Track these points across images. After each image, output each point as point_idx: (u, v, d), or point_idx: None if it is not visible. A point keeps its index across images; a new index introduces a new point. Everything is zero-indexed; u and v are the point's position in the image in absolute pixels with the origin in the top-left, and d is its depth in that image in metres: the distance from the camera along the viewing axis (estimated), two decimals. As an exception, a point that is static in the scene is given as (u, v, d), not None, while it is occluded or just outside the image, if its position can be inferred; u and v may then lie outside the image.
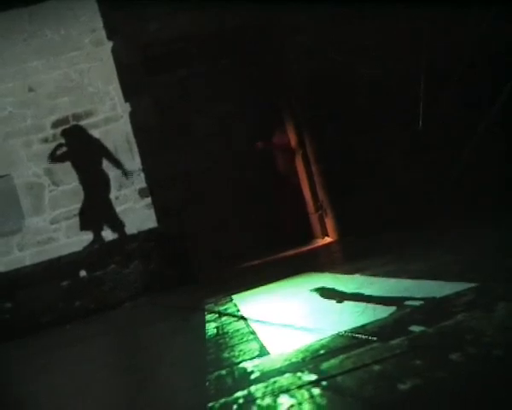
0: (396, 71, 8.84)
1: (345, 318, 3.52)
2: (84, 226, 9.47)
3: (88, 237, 9.44)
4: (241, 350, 3.40)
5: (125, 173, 9.47)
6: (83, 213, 9.47)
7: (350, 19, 9.08)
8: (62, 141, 9.49)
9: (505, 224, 5.97)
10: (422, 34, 8.48)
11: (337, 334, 3.05)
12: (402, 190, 8.72)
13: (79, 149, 9.58)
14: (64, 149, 9.51)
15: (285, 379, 2.52)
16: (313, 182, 10.29)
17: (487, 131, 8.17)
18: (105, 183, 9.55)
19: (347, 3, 8.86)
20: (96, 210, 9.52)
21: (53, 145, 9.45)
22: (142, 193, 9.53)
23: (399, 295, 3.63)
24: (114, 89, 9.55)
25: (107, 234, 9.50)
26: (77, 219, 9.45)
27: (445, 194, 8.29)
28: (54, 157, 9.46)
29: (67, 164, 9.47)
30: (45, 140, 9.42)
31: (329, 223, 10.01)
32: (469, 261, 4.31)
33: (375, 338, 2.75)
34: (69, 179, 9.41)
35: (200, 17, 9.27)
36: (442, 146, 8.65)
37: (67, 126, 9.51)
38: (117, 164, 9.54)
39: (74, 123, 9.48)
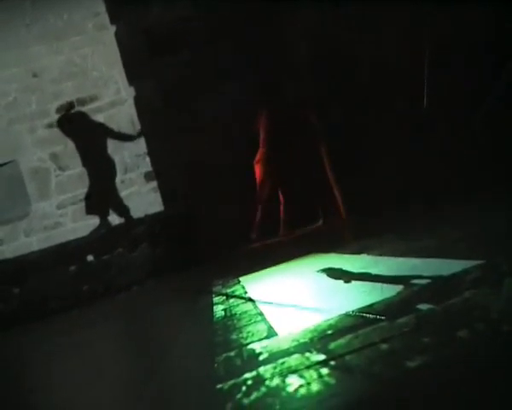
0: (399, 51, 8.80)
1: (352, 297, 3.52)
2: (90, 211, 9.48)
3: (94, 221, 9.47)
4: (249, 332, 3.40)
5: (138, 134, 9.52)
6: (89, 198, 9.49)
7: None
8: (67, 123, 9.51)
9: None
10: (426, 16, 8.44)
11: (344, 314, 3.05)
12: (411, 167, 8.70)
13: (83, 133, 9.59)
14: (71, 131, 9.53)
15: (293, 360, 2.52)
16: (321, 163, 10.27)
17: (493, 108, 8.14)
18: (110, 167, 9.56)
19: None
20: (102, 194, 9.53)
21: (57, 130, 9.46)
22: (147, 177, 9.55)
23: (407, 273, 3.62)
24: (118, 73, 9.55)
25: (114, 218, 9.52)
26: (83, 204, 9.47)
27: (455, 169, 8.28)
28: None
29: (73, 148, 9.47)
30: (50, 125, 9.43)
31: (335, 203, 10.00)
32: (477, 238, 4.30)
33: (382, 317, 2.75)
34: (75, 164, 9.43)
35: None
36: (448, 124, 8.63)
37: (69, 112, 9.51)
38: (125, 138, 9.55)
39: (78, 108, 9.48)
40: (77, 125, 9.55)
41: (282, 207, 10.35)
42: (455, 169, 8.19)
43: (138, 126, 9.56)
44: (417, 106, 8.54)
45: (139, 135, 9.58)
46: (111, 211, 9.48)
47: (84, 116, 9.53)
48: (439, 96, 8.38)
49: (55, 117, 9.45)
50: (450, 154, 8.40)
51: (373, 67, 8.93)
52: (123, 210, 9.49)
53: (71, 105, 9.54)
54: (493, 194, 6.64)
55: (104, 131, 9.55)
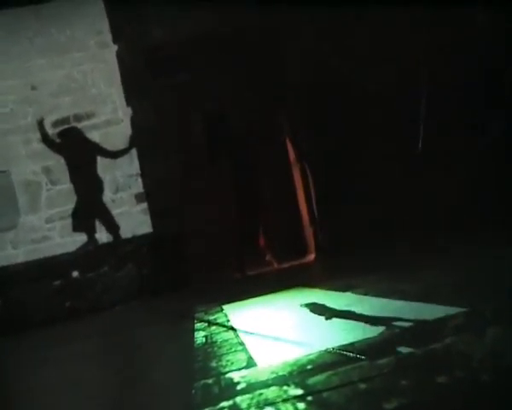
0: (396, 83, 8.86)
1: (334, 334, 3.52)
2: (76, 228, 9.45)
3: (82, 237, 9.43)
4: (228, 360, 3.39)
5: (129, 148, 9.56)
6: (75, 215, 9.46)
7: (351, 26, 9.11)
8: (59, 139, 9.51)
9: (504, 247, 6.00)
10: (423, 45, 8.51)
11: (325, 350, 3.05)
12: (399, 207, 8.71)
13: (75, 149, 9.59)
14: (61, 147, 9.52)
15: (271, 392, 2.52)
16: (309, 195, 10.29)
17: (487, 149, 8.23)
18: (100, 185, 9.55)
19: (349, 9, 8.90)
20: (91, 212, 9.51)
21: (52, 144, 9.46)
22: (138, 198, 9.53)
23: (390, 315, 3.63)
24: (117, 91, 9.56)
25: (101, 236, 9.49)
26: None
27: (445, 212, 8.31)
28: (52, 145, 9.48)
29: (65, 163, 9.46)
30: (45, 138, 9.42)
31: (322, 238, 10.00)
32: (462, 284, 4.31)
33: (362, 357, 2.74)
34: (66, 179, 9.42)
35: (202, 21, 9.28)
36: (441, 166, 8.67)
37: (65, 127, 9.51)
38: (117, 154, 9.56)
39: (74, 124, 9.49)
40: (69, 140, 9.54)
41: (263, 239, 10.35)
42: (444, 213, 8.22)
43: (132, 146, 9.58)
44: (411, 147, 8.59)
45: (130, 148, 9.57)
46: (99, 229, 9.46)
47: (77, 132, 9.52)
48: (432, 137, 8.43)
49: (50, 131, 9.45)
50: (439, 197, 8.44)
51: (370, 100, 8.98)
52: (112, 229, 9.46)
53: (63, 121, 9.55)
54: (481, 239, 6.66)
55: (97, 149, 9.54)
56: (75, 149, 9.61)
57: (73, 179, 9.48)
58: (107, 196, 9.50)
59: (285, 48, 9.74)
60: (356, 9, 8.92)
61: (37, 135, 9.40)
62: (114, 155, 9.56)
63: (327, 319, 4.07)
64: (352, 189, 9.08)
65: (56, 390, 3.99)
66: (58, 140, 9.51)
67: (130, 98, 9.57)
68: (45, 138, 9.45)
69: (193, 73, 10.21)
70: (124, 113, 9.56)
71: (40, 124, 9.41)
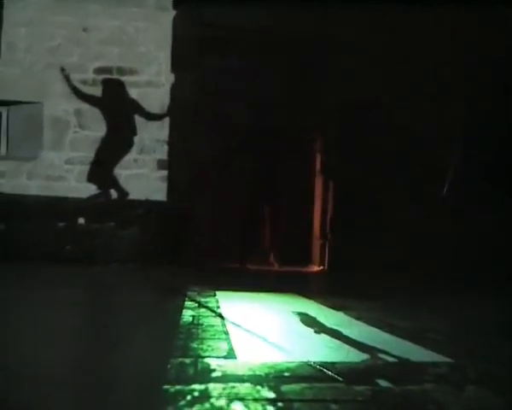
0: (434, 125, 8.85)
1: (317, 349, 3.52)
2: (91, 178, 9.47)
3: (97, 187, 9.47)
4: (210, 346, 3.40)
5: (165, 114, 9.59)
6: (95, 165, 9.47)
7: (401, 60, 9.11)
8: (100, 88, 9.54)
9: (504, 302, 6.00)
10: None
11: (305, 362, 3.05)
12: (411, 242, 8.71)
13: (116, 102, 9.61)
14: (100, 95, 9.55)
15: (244, 388, 2.52)
16: (326, 208, 10.30)
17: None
18: (127, 143, 9.56)
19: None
20: (111, 166, 9.52)
21: (91, 89, 9.48)
22: (160, 164, 9.55)
23: (376, 345, 3.62)
24: (164, 56, 9.58)
25: (114, 192, 9.52)
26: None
27: (452, 258, 8.29)
28: (87, 97, 9.49)
29: (98, 111, 9.48)
30: (84, 82, 9.45)
31: (329, 253, 10.00)
32: (453, 335, 4.30)
33: (340, 378, 2.75)
34: (95, 127, 9.44)
35: (259, 15, 9.27)
36: (460, 214, 8.64)
37: (111, 77, 9.54)
38: (152, 117, 9.57)
39: (117, 76, 9.51)
40: (110, 91, 9.56)
41: (270, 239, 10.36)
42: (450, 262, 8.21)
43: (168, 113, 9.59)
44: (434, 190, 8.56)
45: (165, 115, 9.59)
46: (115, 184, 9.47)
47: (120, 85, 9.54)
48: (456, 186, 8.40)
49: (92, 76, 9.47)
50: (449, 246, 8.42)
51: (405, 134, 8.96)
52: (126, 187, 9.48)
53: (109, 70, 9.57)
54: (481, 294, 6.66)
55: (134, 106, 9.56)
56: (113, 101, 9.63)
57: (104, 129, 9.50)
58: (131, 154, 9.52)
59: (333, 62, 9.73)
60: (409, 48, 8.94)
61: (78, 76, 9.43)
62: (149, 115, 9.58)
63: (316, 332, 4.07)
64: (368, 214, 9.08)
65: (29, 331, 4.00)
66: (97, 88, 9.54)
67: (175, 66, 9.58)
68: (75, 90, 9.48)
69: (241, 62, 10.23)
70: (166, 78, 9.59)
71: (67, 77, 9.43)
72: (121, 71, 9.54)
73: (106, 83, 9.56)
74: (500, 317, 5.44)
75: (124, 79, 9.54)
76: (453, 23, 8.80)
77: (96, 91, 9.54)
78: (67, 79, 9.42)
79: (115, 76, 9.52)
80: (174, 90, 9.57)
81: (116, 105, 9.63)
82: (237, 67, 10.27)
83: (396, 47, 9.12)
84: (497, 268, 7.98)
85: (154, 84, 9.58)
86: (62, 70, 9.39)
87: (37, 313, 4.65)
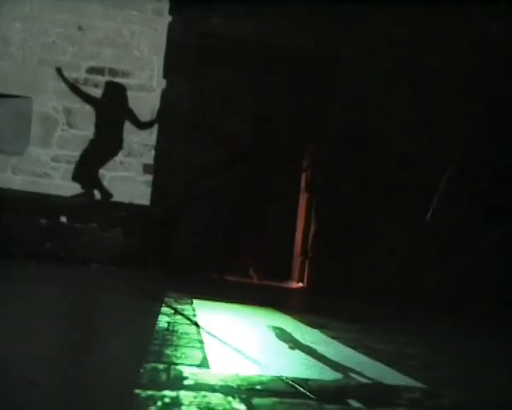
0: (428, 149, 8.87)
1: (291, 365, 3.52)
2: (76, 177, 9.44)
3: (81, 187, 9.44)
4: (183, 353, 3.39)
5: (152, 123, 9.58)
6: (80, 165, 9.46)
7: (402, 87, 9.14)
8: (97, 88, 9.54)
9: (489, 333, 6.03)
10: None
11: (278, 377, 3.04)
12: (393, 268, 8.70)
13: (113, 106, 9.60)
14: (100, 95, 9.54)
15: (215, 398, 2.51)
16: (309, 226, 10.32)
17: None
18: (115, 146, 9.55)
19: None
20: (97, 167, 9.50)
21: (82, 88, 9.47)
22: (146, 169, 9.54)
23: (350, 366, 3.62)
24: (158, 61, 9.58)
25: (98, 193, 9.50)
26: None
27: (437, 287, 8.30)
28: (74, 89, 9.48)
29: (88, 111, 9.47)
30: (76, 81, 9.43)
31: (309, 270, 10.01)
32: (428, 363, 4.31)
33: (312, 396, 2.74)
34: (84, 127, 9.42)
35: (261, 28, 9.29)
36: (448, 241, 8.65)
37: (110, 81, 9.53)
38: (140, 124, 9.56)
39: (109, 77, 9.50)
40: (108, 94, 9.55)
41: (251, 252, 10.36)
42: (437, 289, 8.21)
43: (159, 119, 9.59)
44: (420, 213, 8.57)
45: (155, 122, 9.59)
46: (99, 185, 9.45)
47: (123, 92, 9.54)
48: (447, 208, 8.41)
49: (84, 75, 9.47)
50: (434, 271, 8.42)
51: (397, 158, 8.98)
52: (111, 189, 9.46)
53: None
54: (467, 322, 6.68)
55: (128, 113, 9.55)
56: (110, 104, 9.62)
57: (93, 130, 9.49)
58: (118, 157, 9.51)
59: (335, 82, 9.76)
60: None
61: (71, 75, 9.42)
62: (141, 125, 9.58)
63: (290, 348, 4.07)
64: (351, 235, 9.08)
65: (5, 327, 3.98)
66: (88, 88, 9.53)
67: (168, 72, 9.58)
68: (73, 87, 9.48)
69: (238, 74, 10.24)
70: (158, 84, 9.58)
71: (59, 72, 9.43)
72: (113, 72, 9.53)
73: (109, 85, 9.55)
74: (482, 348, 5.46)
75: (116, 80, 9.53)
76: (456, 45, 8.86)
77: (87, 91, 9.52)
78: (63, 77, 9.41)
79: (107, 77, 9.51)
80: (165, 96, 9.56)
81: (112, 109, 9.62)
82: (232, 79, 10.30)
83: (392, 67, 9.15)
84: (484, 297, 8.01)
85: (145, 89, 9.57)
86: (58, 70, 9.39)
87: (8, 312, 4.62)
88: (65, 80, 9.41)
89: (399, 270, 8.67)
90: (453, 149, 8.50)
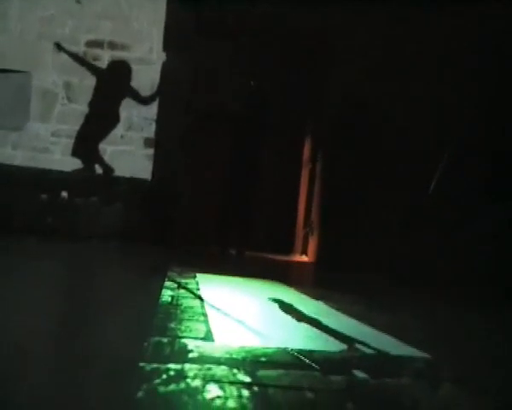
0: (427, 129, 8.81)
1: (296, 337, 3.53)
2: (76, 152, 9.43)
3: (82, 162, 9.44)
4: (187, 327, 3.40)
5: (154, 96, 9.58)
6: (80, 139, 9.44)
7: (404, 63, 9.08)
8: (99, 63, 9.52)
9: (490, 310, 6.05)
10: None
11: (283, 349, 3.05)
12: (398, 241, 8.68)
13: (117, 83, 9.58)
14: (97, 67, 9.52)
15: (220, 370, 2.52)
16: (311, 198, 10.31)
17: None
18: (115, 120, 9.53)
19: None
20: (97, 141, 9.49)
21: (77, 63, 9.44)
22: (147, 142, 9.53)
23: (355, 337, 3.63)
24: (157, 33, 9.54)
25: (99, 167, 9.49)
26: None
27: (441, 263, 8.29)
28: (79, 59, 9.45)
29: (87, 85, 9.44)
30: (73, 56, 9.40)
31: (312, 243, 10.01)
32: (435, 333, 4.32)
33: (317, 367, 2.75)
34: (83, 100, 9.40)
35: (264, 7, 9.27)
36: (448, 217, 8.62)
37: (117, 59, 9.50)
38: (141, 99, 9.54)
39: (108, 51, 9.45)
40: (112, 70, 9.53)
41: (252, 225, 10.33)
42: (441, 258, 8.20)
43: (160, 93, 9.57)
44: (423, 188, 8.54)
45: (156, 96, 9.58)
46: (100, 159, 9.44)
47: (128, 71, 9.51)
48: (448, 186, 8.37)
49: (83, 48, 9.43)
50: (439, 247, 8.40)
51: (391, 131, 8.93)
52: (111, 163, 9.45)
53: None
54: (468, 299, 6.69)
55: (131, 90, 9.54)
56: (114, 80, 9.60)
57: (92, 104, 9.47)
58: (118, 130, 9.49)
59: (333, 55, 9.72)
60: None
61: (69, 48, 9.39)
62: (144, 100, 9.56)
63: (295, 320, 4.08)
64: (355, 207, 9.05)
65: (6, 301, 3.99)
66: (100, 63, 9.52)
67: (168, 44, 9.54)
68: (77, 58, 9.45)
69: (237, 45, 10.20)
70: (158, 56, 9.55)
71: (59, 47, 9.39)
72: (113, 45, 9.50)
73: (115, 63, 9.53)
74: (484, 323, 5.47)
75: (115, 53, 9.50)
76: (455, 23, 8.78)
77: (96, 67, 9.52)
78: (65, 50, 9.38)
79: (106, 50, 9.48)
80: (165, 67, 9.53)
81: (114, 83, 9.61)
82: (232, 52, 10.25)
83: (395, 46, 9.08)
84: (485, 277, 8.00)
85: (145, 62, 9.55)
86: (57, 45, 9.36)
87: (11, 286, 4.63)
88: (67, 52, 9.37)
89: (401, 242, 8.65)
90: (454, 128, 8.47)
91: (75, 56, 9.43)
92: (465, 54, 8.56)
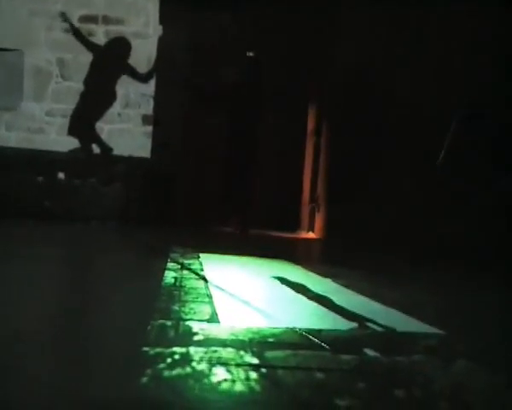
0: (434, 97, 8.76)
1: (304, 316, 3.53)
2: (72, 131, 9.41)
3: (78, 142, 9.42)
4: (192, 309, 3.40)
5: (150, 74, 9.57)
6: (75, 117, 9.42)
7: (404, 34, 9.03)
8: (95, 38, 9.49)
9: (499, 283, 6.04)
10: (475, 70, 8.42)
11: (291, 328, 3.06)
12: (406, 217, 8.65)
13: (115, 59, 9.55)
14: (91, 43, 9.48)
15: (226, 352, 2.53)
16: (316, 173, 10.28)
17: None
18: (111, 97, 9.50)
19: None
20: (93, 119, 9.47)
21: (73, 38, 9.40)
22: (145, 120, 9.51)
23: (365, 314, 3.64)
24: (153, 6, 9.49)
25: (96, 147, 9.47)
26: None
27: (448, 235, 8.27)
28: (78, 35, 9.42)
29: (82, 61, 9.41)
30: (68, 31, 9.36)
31: (319, 219, 10.00)
32: (446, 308, 4.33)
33: (327, 346, 2.76)
34: (78, 77, 9.38)
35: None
36: (457, 192, 8.59)
37: (117, 36, 9.46)
38: (138, 76, 9.52)
39: (103, 25, 9.41)
40: (116, 47, 9.50)
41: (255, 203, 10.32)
42: (451, 232, 8.18)
43: (157, 68, 9.55)
44: (433, 158, 8.50)
45: (153, 72, 9.55)
46: (96, 138, 9.43)
47: (128, 47, 9.48)
48: (457, 154, 8.34)
49: (77, 24, 9.39)
50: (449, 221, 8.37)
51: (405, 106, 8.88)
52: (109, 142, 9.44)
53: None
54: (479, 277, 6.68)
55: (128, 68, 9.51)
56: (108, 56, 9.57)
57: (87, 81, 9.44)
58: (115, 108, 9.47)
59: (337, 21, 9.68)
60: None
61: (62, 24, 9.34)
62: (143, 78, 9.54)
63: (302, 299, 4.09)
64: (362, 182, 9.00)
65: (5, 288, 4.00)
66: (101, 41, 9.49)
67: (164, 17, 9.50)
68: (77, 33, 9.42)
69: (235, 17, 10.14)
70: (154, 30, 9.51)
71: (64, 17, 9.35)
72: (107, 20, 9.45)
73: (115, 40, 9.49)
74: (495, 297, 5.47)
75: (110, 28, 9.46)
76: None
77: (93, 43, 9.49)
78: (70, 23, 9.35)
79: (101, 25, 9.44)
80: (162, 41, 9.50)
81: (113, 61, 9.58)
82: (231, 23, 10.20)
83: (404, 19, 9.02)
84: (499, 251, 7.98)
85: (141, 36, 9.51)
86: (62, 15, 9.32)
87: (13, 271, 4.64)
88: (71, 25, 9.34)
89: (412, 217, 8.63)
90: (462, 97, 8.42)
91: (77, 31, 9.39)
92: (476, 27, 8.52)
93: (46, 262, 5.28)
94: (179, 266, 5.21)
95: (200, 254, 6.14)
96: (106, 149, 9.45)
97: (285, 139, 10.94)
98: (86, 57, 9.45)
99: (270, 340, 2.81)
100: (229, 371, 2.30)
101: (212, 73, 10.28)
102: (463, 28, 8.57)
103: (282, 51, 10.57)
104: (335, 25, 9.72)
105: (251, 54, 9.67)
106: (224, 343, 2.67)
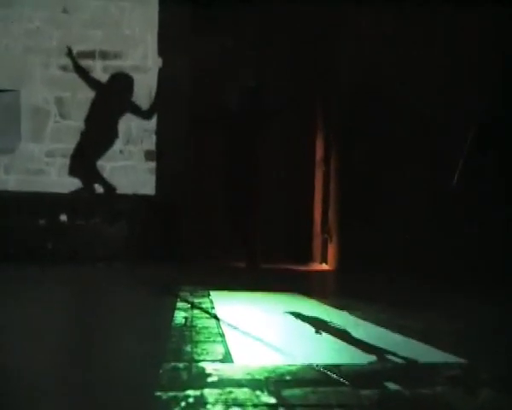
0: (445, 111, 8.76)
1: (320, 351, 3.52)
2: (73, 171, 9.44)
3: (80, 181, 9.44)
4: (204, 349, 3.40)
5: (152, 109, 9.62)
6: (76, 157, 9.45)
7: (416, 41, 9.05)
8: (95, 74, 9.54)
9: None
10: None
11: (308, 365, 3.05)
12: (419, 242, 8.63)
13: (110, 94, 9.59)
14: (93, 79, 9.54)
15: (242, 393, 2.52)
16: (327, 201, 10.28)
17: None
18: (112, 134, 9.54)
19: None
20: (95, 158, 9.50)
21: (71, 75, 9.45)
22: (148, 155, 9.54)
23: (384, 346, 3.63)
24: (151, 38, 9.55)
25: (100, 186, 9.49)
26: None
27: (463, 258, 8.24)
28: (80, 71, 9.47)
29: (81, 99, 9.45)
30: (64, 68, 9.42)
31: (332, 250, 9.98)
32: (466, 334, 4.31)
33: (346, 382, 2.75)
34: (77, 116, 9.41)
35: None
36: (471, 212, 8.57)
37: (118, 72, 9.51)
38: (139, 113, 9.55)
39: (100, 60, 9.47)
40: (113, 83, 9.55)
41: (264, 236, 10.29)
42: (464, 257, 8.16)
43: (158, 101, 9.58)
44: (444, 182, 8.49)
45: (155, 106, 9.59)
46: (98, 177, 9.45)
47: (130, 83, 9.53)
48: (470, 175, 8.32)
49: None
50: (462, 246, 8.36)
51: (416, 121, 8.88)
52: (111, 181, 9.46)
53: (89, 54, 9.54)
54: (495, 294, 6.65)
55: (131, 105, 9.55)
56: (110, 92, 9.62)
57: (88, 119, 9.48)
58: (117, 145, 9.50)
59: (338, 45, 9.72)
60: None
61: (59, 61, 9.39)
62: (146, 115, 9.58)
63: (318, 333, 4.08)
64: (373, 209, 8.99)
65: (14, 333, 4.00)
66: (99, 76, 9.54)
67: (163, 49, 9.56)
68: (79, 70, 9.47)
69: (236, 42, 10.20)
70: (154, 62, 9.56)
71: (70, 53, 9.41)
72: (104, 55, 9.51)
73: (117, 76, 9.54)
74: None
75: (108, 63, 9.51)
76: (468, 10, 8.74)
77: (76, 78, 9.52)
78: (73, 59, 9.40)
79: (98, 60, 9.50)
80: (162, 74, 9.54)
81: (115, 99, 9.63)
82: (232, 48, 10.25)
83: (409, 30, 9.05)
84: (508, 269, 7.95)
85: (140, 69, 9.56)
86: (69, 50, 9.39)
87: (21, 315, 4.65)
88: (74, 61, 9.40)
89: (427, 243, 8.60)
90: (473, 111, 8.41)
91: (79, 67, 9.45)
92: (482, 34, 8.55)
93: (53, 305, 5.29)
94: (189, 305, 5.21)
95: (211, 292, 6.14)
96: (108, 188, 9.47)
97: (294, 168, 10.95)
98: (85, 95, 9.50)
99: (287, 378, 2.80)
100: (245, 412, 2.29)
101: (213, 101, 10.32)
102: (473, 32, 8.60)
103: (286, 76, 10.61)
104: (341, 48, 9.75)
105: (252, 84, 9.69)
106: (239, 383, 2.66)
